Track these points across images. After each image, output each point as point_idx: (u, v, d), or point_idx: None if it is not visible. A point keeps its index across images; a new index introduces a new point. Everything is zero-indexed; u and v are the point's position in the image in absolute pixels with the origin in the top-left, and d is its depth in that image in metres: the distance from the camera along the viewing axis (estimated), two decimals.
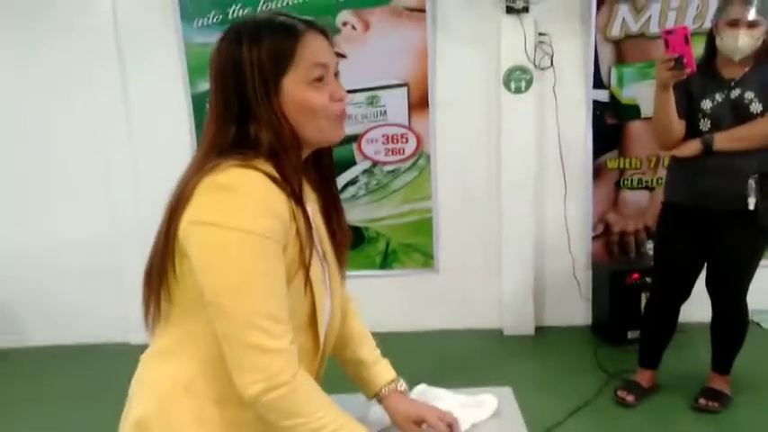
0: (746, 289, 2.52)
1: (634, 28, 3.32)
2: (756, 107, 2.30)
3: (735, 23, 2.24)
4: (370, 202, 3.57)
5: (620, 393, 2.69)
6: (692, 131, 2.38)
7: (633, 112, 3.42)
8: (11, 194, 3.65)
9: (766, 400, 2.67)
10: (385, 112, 3.46)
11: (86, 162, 3.58)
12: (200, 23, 3.41)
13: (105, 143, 3.53)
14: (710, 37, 2.39)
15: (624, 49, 3.36)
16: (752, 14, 2.22)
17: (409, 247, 3.63)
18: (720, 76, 2.36)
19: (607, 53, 3.37)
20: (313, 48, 0.97)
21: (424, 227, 3.60)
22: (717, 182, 2.34)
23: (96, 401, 2.98)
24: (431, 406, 1.21)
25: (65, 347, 3.68)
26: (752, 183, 2.29)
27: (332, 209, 1.12)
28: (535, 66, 3.32)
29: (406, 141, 3.49)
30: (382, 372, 1.23)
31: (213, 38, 3.63)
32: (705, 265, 2.56)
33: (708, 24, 3.27)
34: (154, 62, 3.48)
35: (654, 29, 3.30)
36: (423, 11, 3.34)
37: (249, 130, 0.95)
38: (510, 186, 3.45)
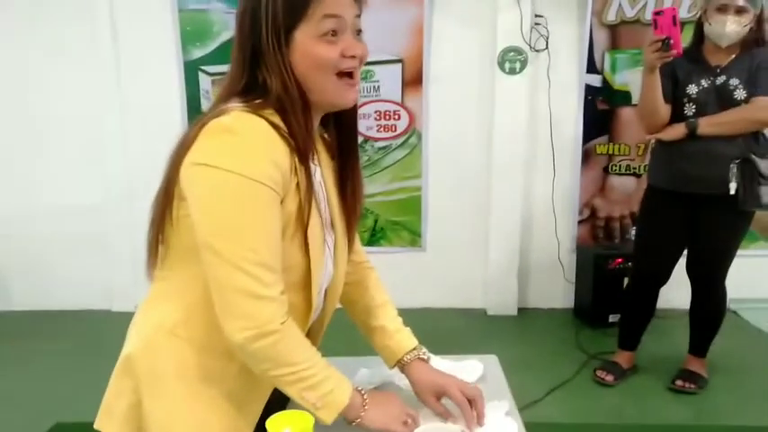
0: (726, 272, 2.56)
1: (630, 14, 3.33)
2: (741, 94, 2.33)
3: (723, 9, 2.27)
4: None
5: (599, 373, 2.75)
6: (677, 116, 2.41)
7: (625, 98, 3.44)
8: (1, 164, 3.61)
9: (741, 384, 2.74)
10: (378, 87, 3.45)
11: (76, 129, 3.55)
12: None
13: (95, 110, 3.50)
14: (699, 24, 2.44)
15: (619, 34, 3.37)
16: (740, 1, 2.26)
17: (397, 225, 3.65)
18: (707, 63, 2.39)
19: (602, 38, 3.38)
20: (326, 4, 0.93)
21: (413, 205, 3.62)
22: (699, 166, 2.37)
23: (79, 366, 2.98)
24: (453, 377, 1.17)
25: (49, 312, 3.67)
26: (733, 168, 2.32)
27: (348, 178, 1.10)
28: (530, 47, 3.33)
29: (399, 118, 3.49)
30: (404, 339, 1.22)
31: (208, 4, 3.61)
32: (686, 248, 2.60)
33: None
34: (147, 27, 3.44)
35: (649, 15, 3.31)
36: None
37: (259, 77, 0.95)
38: (499, 168, 3.47)
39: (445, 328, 3.41)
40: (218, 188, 0.88)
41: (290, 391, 0.96)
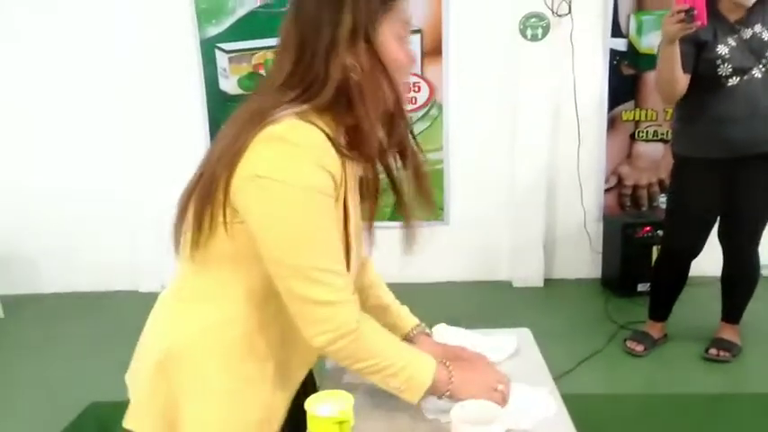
0: (760, 237, 2.50)
1: None
2: None
3: None
4: None
5: (630, 344, 2.71)
6: (712, 78, 2.30)
7: (651, 61, 3.28)
8: (27, 145, 3.64)
9: None
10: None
11: (101, 113, 3.55)
12: None
13: (115, 92, 3.49)
14: None
15: None
16: None
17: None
18: (727, 21, 2.29)
19: (626, 0, 3.27)
20: (404, 6, 0.97)
21: (435, 178, 3.57)
22: (747, 126, 2.29)
23: (109, 346, 3.02)
24: (460, 347, 1.20)
25: (78, 294, 3.73)
26: None
27: (370, 179, 1.09)
28: (552, 12, 3.23)
29: (419, 90, 3.43)
30: (408, 316, 1.26)
31: None
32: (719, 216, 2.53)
33: None
34: (162, 5, 3.40)
35: None
36: None
37: (331, 69, 0.91)
38: (523, 137, 3.41)
39: (471, 302, 3.39)
40: (280, 202, 0.88)
41: (373, 379, 1.00)
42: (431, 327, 1.34)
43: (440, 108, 3.46)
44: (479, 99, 3.45)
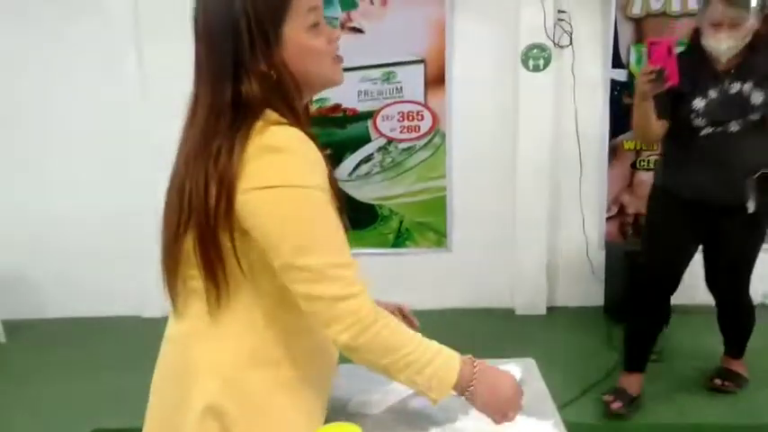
0: (749, 281, 2.43)
1: (656, 6, 3.28)
2: (757, 97, 2.14)
3: (717, 25, 2.07)
4: (384, 180, 3.56)
5: (606, 397, 2.51)
6: (687, 129, 2.22)
7: None
8: (31, 171, 3.67)
9: None
10: (401, 88, 3.44)
11: (105, 139, 3.58)
12: None
13: (124, 118, 3.53)
14: (697, 28, 2.22)
15: (645, 27, 3.32)
16: (733, 12, 2.04)
17: (423, 226, 3.63)
18: (712, 67, 2.18)
19: (627, 32, 3.33)
20: None
21: (438, 205, 3.60)
22: (717, 176, 2.21)
23: (113, 372, 3.02)
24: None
25: (82, 320, 3.72)
26: (751, 183, 2.18)
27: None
28: (554, 44, 3.29)
29: (422, 119, 3.47)
30: None
31: None
32: (702, 255, 2.48)
33: None
34: (170, 32, 3.45)
35: (676, 6, 3.26)
36: None
37: (246, 85, 0.93)
38: (525, 166, 3.44)
39: (473, 329, 3.39)
40: (289, 205, 0.90)
41: (399, 378, 0.99)
42: None
43: (443, 136, 3.50)
44: (482, 128, 3.49)
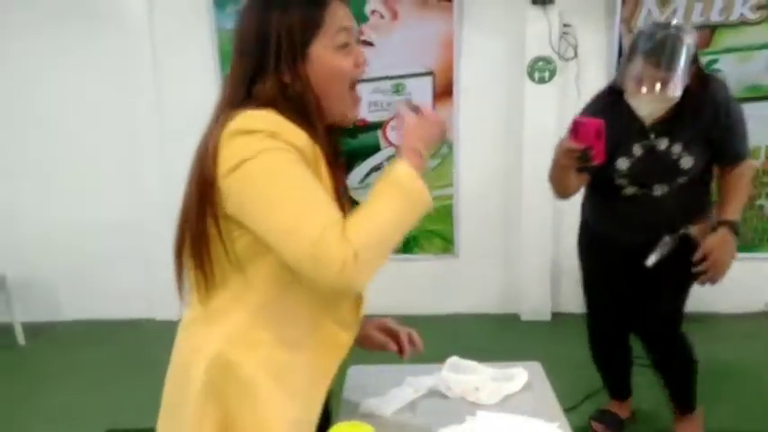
0: (681, 322, 2.16)
1: (659, 19, 3.35)
2: (687, 162, 1.90)
3: (641, 82, 1.77)
4: None
5: (594, 425, 2.43)
6: (609, 187, 2.02)
7: None
8: (45, 178, 3.76)
9: None
10: (410, 99, 3.52)
11: (117, 148, 3.68)
12: (232, 10, 3.47)
13: (136, 130, 3.62)
14: (629, 56, 1.89)
15: None
16: (662, 72, 1.74)
17: (430, 233, 3.71)
18: (640, 122, 1.90)
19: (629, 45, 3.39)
20: (340, 14, 1.02)
21: (446, 213, 3.68)
22: (638, 236, 2.04)
23: (126, 373, 3.10)
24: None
25: (97, 322, 3.81)
26: (667, 240, 2.00)
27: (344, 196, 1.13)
28: (559, 57, 3.37)
29: None
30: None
31: None
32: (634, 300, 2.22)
33: (734, 17, 3.33)
34: (186, 49, 3.56)
35: (679, 21, 3.33)
36: (450, 0, 3.39)
37: (260, 86, 0.99)
38: (530, 175, 3.51)
39: (479, 334, 3.46)
40: (258, 176, 0.92)
41: (396, 234, 0.97)
42: (432, 362, 1.41)
43: (450, 146, 3.58)
44: (489, 138, 3.58)
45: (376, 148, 3.59)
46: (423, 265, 3.73)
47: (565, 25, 3.37)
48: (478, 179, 3.63)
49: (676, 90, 1.76)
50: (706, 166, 1.97)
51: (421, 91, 3.51)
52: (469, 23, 3.43)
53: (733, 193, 1.96)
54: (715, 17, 3.32)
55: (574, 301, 3.72)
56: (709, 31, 3.34)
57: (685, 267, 1.95)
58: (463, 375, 1.38)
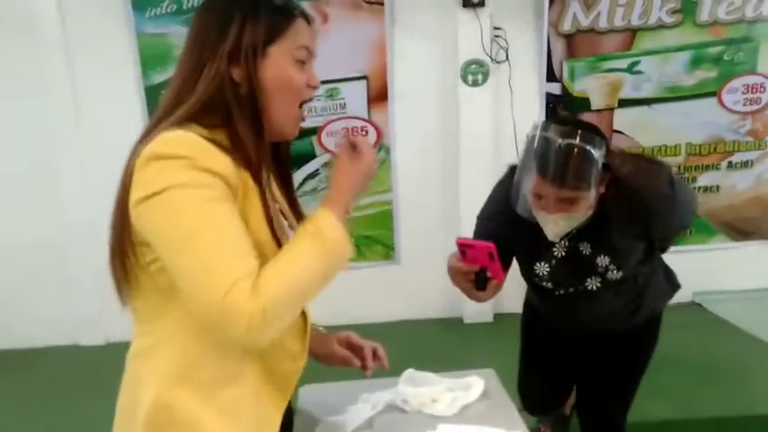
0: (629, 407, 1.94)
1: (585, 23, 3.45)
2: (603, 260, 1.59)
3: (539, 198, 1.45)
4: None
5: (543, 429, 2.31)
6: (537, 287, 1.78)
7: (584, 104, 3.55)
8: None
9: (711, 374, 2.84)
10: (344, 104, 3.47)
11: (33, 162, 3.45)
12: (152, 13, 3.31)
13: (52, 141, 3.41)
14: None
15: (575, 43, 3.48)
16: (568, 190, 1.39)
17: (370, 240, 3.66)
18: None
19: (559, 47, 3.48)
20: (304, 32, 1.00)
21: (385, 219, 3.64)
22: (579, 328, 1.84)
23: (51, 402, 2.87)
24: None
25: (16, 351, 3.54)
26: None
27: (293, 209, 1.12)
28: (491, 59, 3.40)
29: (366, 134, 3.51)
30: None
31: (167, 28, 3.58)
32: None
33: (653, 20, 3.46)
34: (104, 54, 3.37)
35: (603, 24, 3.44)
36: (381, 4, 3.36)
37: (206, 82, 0.94)
38: (467, 178, 3.52)
39: (424, 340, 3.43)
40: (163, 211, 0.87)
41: (318, 275, 0.92)
42: (390, 368, 1.33)
43: (387, 151, 3.55)
44: (425, 142, 3.57)
45: (311, 156, 3.51)
46: (364, 273, 3.66)
47: (496, 28, 3.41)
48: (417, 183, 3.61)
49: (585, 210, 1.45)
50: (645, 253, 1.66)
51: (356, 95, 3.45)
52: (401, 27, 3.42)
53: None
54: (635, 21, 3.44)
55: (515, 301, 3.75)
56: (630, 34, 3.47)
57: (643, 354, 1.82)
58: (420, 388, 1.33)
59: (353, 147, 1.02)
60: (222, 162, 0.90)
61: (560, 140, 1.33)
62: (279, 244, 0.95)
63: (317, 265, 0.91)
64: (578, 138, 1.33)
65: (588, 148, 1.33)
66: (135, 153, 0.92)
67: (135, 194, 0.88)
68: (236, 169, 0.91)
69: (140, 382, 0.99)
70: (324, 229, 0.93)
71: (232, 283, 0.84)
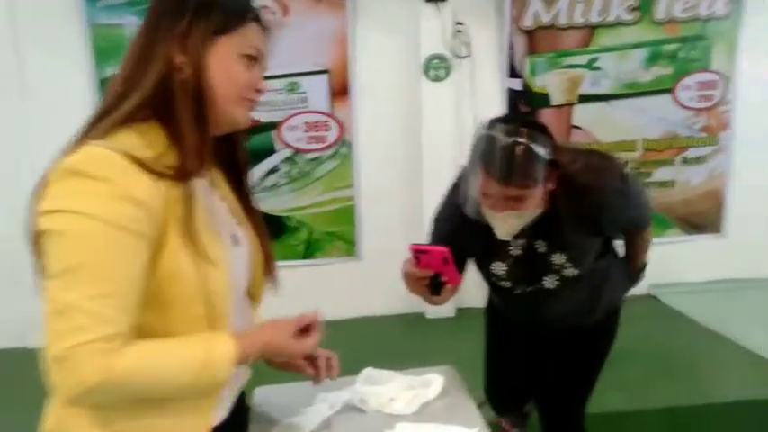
0: (587, 401, 1.95)
1: (545, 19, 3.47)
2: (560, 258, 1.60)
3: (487, 197, 1.43)
4: (291, 191, 3.52)
5: (504, 425, 2.19)
6: (495, 287, 1.79)
7: (544, 99, 3.58)
8: None
9: (668, 366, 2.90)
10: (306, 98, 3.42)
11: None
12: (105, 3, 3.20)
13: (1, 138, 3.26)
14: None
15: (536, 39, 3.51)
16: (513, 189, 1.37)
17: (332, 236, 3.62)
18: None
19: (520, 43, 3.50)
20: (257, 34, 0.98)
21: (347, 215, 3.61)
22: (538, 324, 1.84)
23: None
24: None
25: None
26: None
27: (246, 207, 1.10)
28: (453, 55, 3.40)
29: (328, 129, 3.47)
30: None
31: (121, 19, 3.46)
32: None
33: (611, 17, 3.51)
34: (55, 45, 3.24)
35: (563, 20, 3.47)
36: None
37: (163, 77, 0.91)
38: (430, 173, 3.52)
39: (386, 336, 3.42)
40: (61, 231, 0.82)
41: (175, 386, 0.89)
42: (352, 365, 1.34)
43: (349, 146, 3.51)
44: (387, 137, 3.54)
45: (271, 151, 3.45)
46: (326, 269, 3.64)
47: (457, 23, 3.40)
48: (379, 179, 3.59)
49: (533, 207, 1.45)
50: (603, 247, 1.69)
51: (317, 90, 3.41)
52: (363, 20, 3.38)
53: (636, 250, 1.81)
54: (594, 17, 3.49)
55: (476, 295, 3.77)
56: (589, 31, 3.51)
57: (602, 348, 1.85)
58: (378, 387, 1.31)
59: (307, 329, 1.09)
60: (144, 185, 0.85)
61: (504, 139, 1.33)
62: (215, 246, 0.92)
63: (184, 379, 0.88)
64: (522, 135, 1.33)
65: (532, 145, 1.33)
66: (63, 153, 0.88)
67: (44, 204, 0.84)
68: (159, 188, 0.86)
69: (54, 392, 0.92)
70: (217, 355, 0.90)
71: (91, 339, 0.80)
